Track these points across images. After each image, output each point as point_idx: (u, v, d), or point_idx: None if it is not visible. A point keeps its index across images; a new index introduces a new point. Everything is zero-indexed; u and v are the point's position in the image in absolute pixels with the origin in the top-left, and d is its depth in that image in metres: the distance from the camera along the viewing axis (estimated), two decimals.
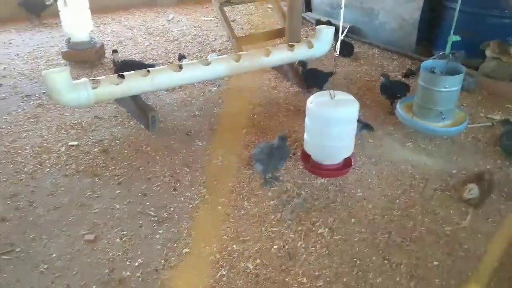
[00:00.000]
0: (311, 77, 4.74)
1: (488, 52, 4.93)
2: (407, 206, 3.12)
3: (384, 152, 3.76)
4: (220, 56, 4.59)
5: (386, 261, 2.66)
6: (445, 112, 3.77)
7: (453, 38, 3.85)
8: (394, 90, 4.33)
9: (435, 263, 2.65)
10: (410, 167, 3.56)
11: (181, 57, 5.14)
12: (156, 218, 3.03)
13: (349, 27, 6.29)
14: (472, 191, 2.79)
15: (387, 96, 4.38)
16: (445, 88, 3.66)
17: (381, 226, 2.94)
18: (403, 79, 5.03)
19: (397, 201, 3.18)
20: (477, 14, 5.03)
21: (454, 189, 3.28)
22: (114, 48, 5.61)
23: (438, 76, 3.77)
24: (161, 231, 2.92)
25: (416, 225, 2.95)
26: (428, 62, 3.98)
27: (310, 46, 4.73)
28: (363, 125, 3.75)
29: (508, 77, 4.79)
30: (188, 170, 3.53)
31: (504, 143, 3.63)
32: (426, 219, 3.00)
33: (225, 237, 2.86)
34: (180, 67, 4.12)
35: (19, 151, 3.79)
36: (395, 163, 3.60)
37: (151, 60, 5.69)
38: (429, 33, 5.86)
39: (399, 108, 4.02)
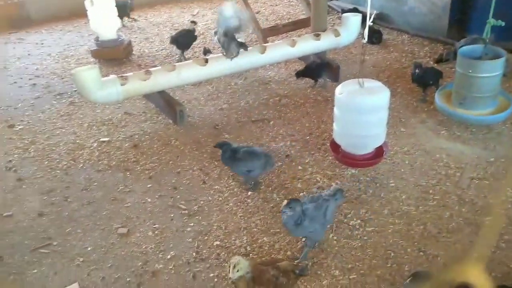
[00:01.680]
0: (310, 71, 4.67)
1: None
2: (443, 196, 3.01)
3: (417, 141, 3.64)
4: None
5: (421, 253, 2.58)
6: (487, 98, 3.63)
7: (495, 22, 3.62)
8: (426, 78, 4.18)
9: (475, 254, 2.54)
10: (445, 155, 3.43)
11: (206, 52, 5.14)
12: (186, 211, 3.05)
13: (376, 13, 6.11)
14: (239, 266, 2.04)
15: (419, 84, 4.24)
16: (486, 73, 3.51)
17: (416, 217, 2.85)
18: (435, 65, 4.85)
19: (432, 191, 3.08)
20: None
21: (493, 177, 3.14)
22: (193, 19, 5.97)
23: (477, 61, 3.60)
24: (192, 224, 2.93)
25: (452, 215, 2.85)
26: (466, 48, 3.81)
27: (337, 34, 4.63)
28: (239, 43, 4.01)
29: None
30: (216, 164, 3.53)
31: None
32: (463, 209, 2.89)
33: (255, 229, 2.85)
34: (206, 61, 4.12)
35: (53, 148, 3.89)
36: (429, 152, 3.48)
37: (177, 56, 5.73)
38: (462, 15, 5.62)
39: (437, 97, 3.87)
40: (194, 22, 5.61)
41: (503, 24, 3.61)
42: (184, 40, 5.45)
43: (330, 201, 2.52)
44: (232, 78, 5.03)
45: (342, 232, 2.77)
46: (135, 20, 7.18)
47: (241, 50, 4.08)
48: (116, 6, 5.76)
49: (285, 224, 2.43)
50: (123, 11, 6.84)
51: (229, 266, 2.02)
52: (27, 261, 2.72)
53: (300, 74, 4.64)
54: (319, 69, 4.63)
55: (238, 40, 4.02)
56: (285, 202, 2.39)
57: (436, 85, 4.15)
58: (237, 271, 2.00)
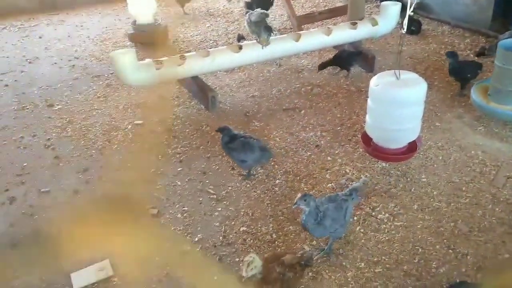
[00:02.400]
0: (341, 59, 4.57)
1: None
2: (476, 194, 2.93)
3: (453, 136, 3.54)
4: (279, 36, 4.52)
5: (451, 251, 2.53)
6: None
7: None
8: (464, 70, 4.03)
9: (507, 255, 2.48)
10: (481, 152, 3.33)
11: (240, 38, 5.14)
12: (215, 196, 3.10)
13: (417, 2, 5.91)
14: (253, 264, 2.07)
15: (456, 77, 4.09)
16: None
17: (447, 214, 2.79)
18: (476, 58, 4.66)
19: (465, 188, 3.00)
20: None
21: None
22: None
23: (510, 52, 3.44)
24: (219, 209, 2.99)
25: (485, 214, 2.77)
26: (508, 41, 3.65)
27: (374, 23, 4.52)
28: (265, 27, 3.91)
29: None
30: None
31: None
32: (497, 209, 2.80)
33: (281, 217, 2.87)
34: (240, 47, 4.13)
35: (89, 128, 4.03)
36: (464, 148, 3.38)
37: (211, 41, 5.76)
38: (507, 6, 5.36)
39: (473, 91, 3.73)
40: None
41: None
42: (260, 4, 5.27)
43: (348, 201, 2.49)
44: (265, 66, 5.02)
45: (370, 225, 2.75)
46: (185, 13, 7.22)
47: (268, 35, 3.96)
48: None
49: (305, 224, 2.36)
50: None
51: (243, 265, 2.02)
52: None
53: (324, 66, 4.57)
54: (349, 58, 4.53)
55: (267, 24, 3.97)
56: (299, 195, 2.35)
57: (474, 78, 4.01)
58: (251, 269, 2.02)
